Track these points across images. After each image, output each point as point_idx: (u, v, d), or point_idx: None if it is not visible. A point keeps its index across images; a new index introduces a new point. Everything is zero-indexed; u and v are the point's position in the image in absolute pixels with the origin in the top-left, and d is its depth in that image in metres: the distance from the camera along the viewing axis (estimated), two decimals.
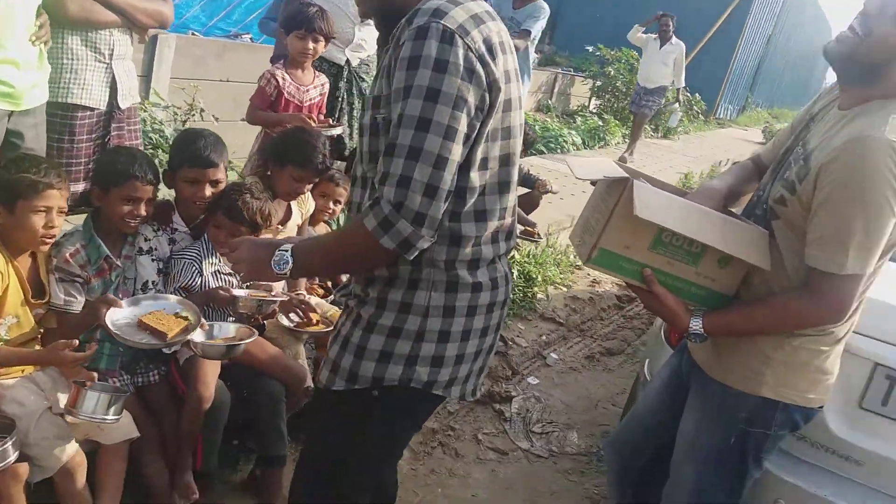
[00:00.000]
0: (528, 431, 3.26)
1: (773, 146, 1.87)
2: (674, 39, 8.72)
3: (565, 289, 5.02)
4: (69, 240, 2.08)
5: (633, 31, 8.92)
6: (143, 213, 2.13)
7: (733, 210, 1.81)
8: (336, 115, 3.61)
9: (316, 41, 3.13)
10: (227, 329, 2.14)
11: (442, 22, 1.26)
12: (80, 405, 1.80)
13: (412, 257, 1.33)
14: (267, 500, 2.39)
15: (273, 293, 2.37)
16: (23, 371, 1.96)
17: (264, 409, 2.36)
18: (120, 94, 2.54)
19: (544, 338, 4.23)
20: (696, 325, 1.60)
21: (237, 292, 2.29)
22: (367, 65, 3.77)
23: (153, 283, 2.25)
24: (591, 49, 12.09)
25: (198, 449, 2.25)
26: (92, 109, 2.46)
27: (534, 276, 4.68)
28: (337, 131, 3.28)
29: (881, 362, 1.90)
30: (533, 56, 6.10)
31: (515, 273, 4.59)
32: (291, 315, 2.44)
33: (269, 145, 2.76)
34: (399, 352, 1.43)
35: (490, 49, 1.30)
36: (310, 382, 2.49)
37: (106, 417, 1.83)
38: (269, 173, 2.64)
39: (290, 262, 1.40)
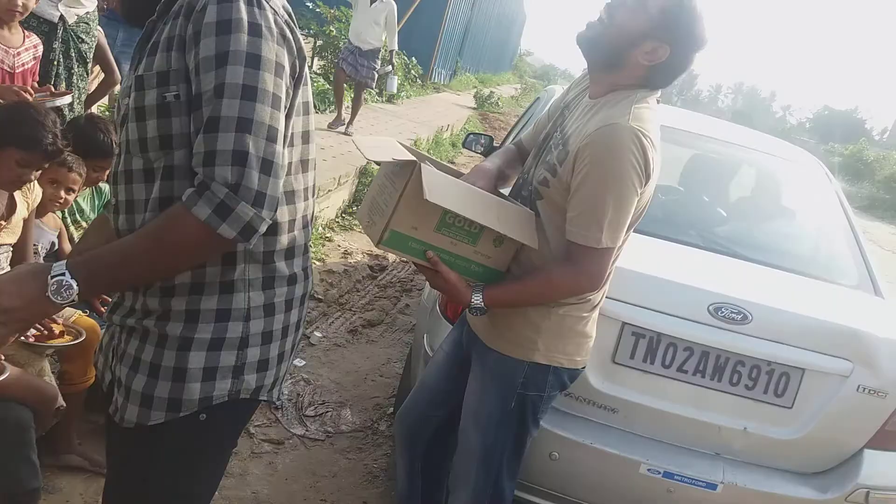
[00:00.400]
0: (302, 416, 3.21)
1: (534, 132, 2.05)
2: None
3: (319, 262, 4.97)
4: None
5: None
6: None
7: (502, 192, 1.95)
8: (53, 82, 3.10)
9: None
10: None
11: None
12: None
13: (252, 244, 1.20)
14: None
15: None
16: None
17: (9, 440, 2.02)
18: None
19: (306, 317, 4.16)
20: (476, 299, 1.73)
21: None
22: (87, 23, 3.30)
23: None
24: (310, 6, 11.86)
25: None
26: None
27: None
28: (65, 101, 2.82)
29: (627, 321, 2.19)
30: None
31: None
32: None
33: None
34: (225, 364, 1.28)
35: (289, 15, 1.24)
36: (61, 402, 2.18)
37: None
38: None
39: (74, 284, 1.14)
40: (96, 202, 2.97)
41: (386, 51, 8.81)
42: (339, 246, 5.53)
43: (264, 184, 1.14)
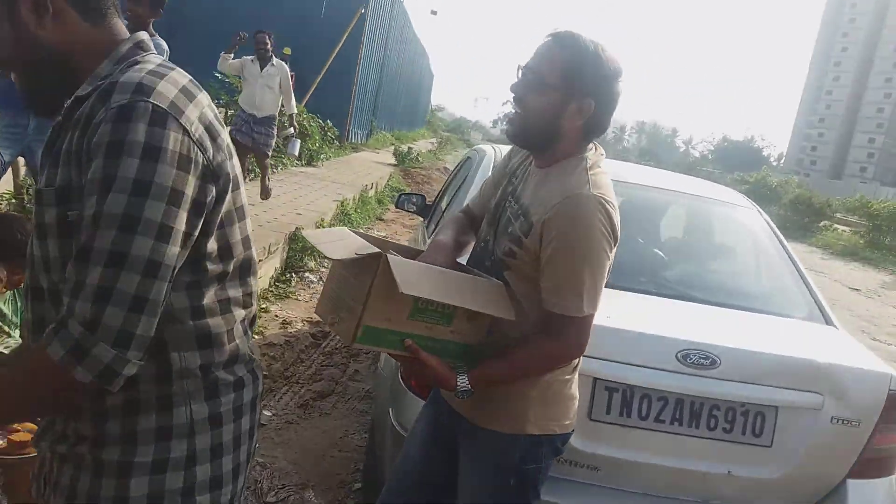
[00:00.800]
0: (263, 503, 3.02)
1: (481, 198, 2.04)
2: (275, 60, 7.69)
3: (258, 336, 4.78)
4: None
5: (220, 61, 7.60)
6: None
7: (459, 261, 1.92)
8: None
9: None
10: None
11: (151, 100, 1.06)
12: None
13: (116, 389, 1.08)
14: None
15: None
16: None
17: None
18: None
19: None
20: (463, 382, 1.67)
21: None
22: None
23: None
24: (218, 76, 11.75)
25: None
26: None
27: None
28: None
29: (599, 377, 2.17)
30: None
31: None
32: None
33: None
34: (171, 487, 1.18)
35: (208, 128, 1.15)
36: None
37: None
38: None
39: None
40: (18, 305, 2.76)
41: (285, 115, 8.33)
42: (276, 316, 5.35)
43: (132, 323, 1.04)
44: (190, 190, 1.08)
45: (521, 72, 1.74)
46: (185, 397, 1.18)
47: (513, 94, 1.76)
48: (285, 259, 6.42)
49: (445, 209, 3.63)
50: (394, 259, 1.54)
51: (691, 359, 2.17)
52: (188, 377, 1.18)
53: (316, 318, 5.59)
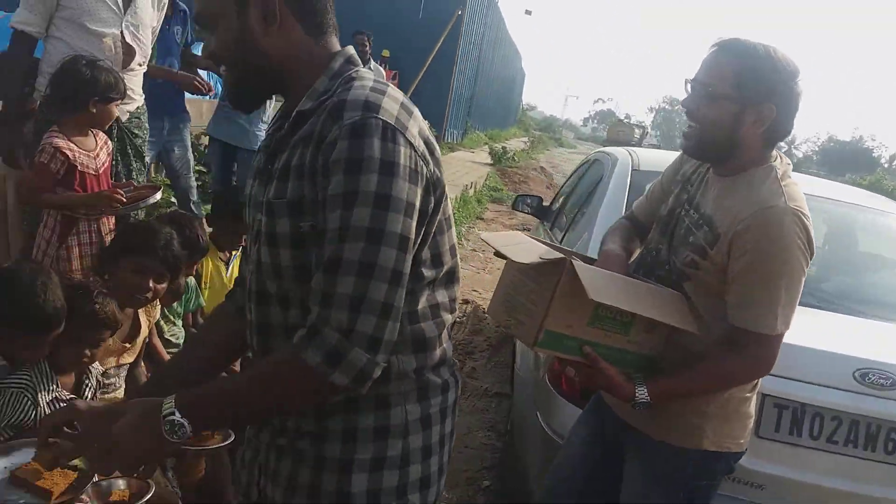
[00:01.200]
0: None
1: (649, 204, 2.00)
2: (372, 63, 7.42)
3: None
4: None
5: None
6: None
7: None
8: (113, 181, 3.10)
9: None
10: (116, 484, 1.69)
11: (380, 117, 1.10)
12: None
13: (365, 391, 1.13)
14: None
15: None
16: None
17: None
18: None
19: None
20: (641, 394, 1.64)
21: None
22: (138, 118, 3.32)
23: None
24: None
25: None
26: None
27: None
28: (156, 198, 2.79)
29: (769, 393, 2.09)
30: None
31: None
32: None
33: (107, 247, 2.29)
34: (388, 485, 1.22)
35: (427, 142, 1.18)
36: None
37: None
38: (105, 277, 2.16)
39: (186, 423, 1.10)
40: (183, 296, 2.92)
41: None
42: None
43: (381, 328, 1.09)
44: (418, 200, 1.12)
45: (689, 85, 1.71)
46: (401, 398, 1.22)
47: (685, 110, 1.73)
48: None
49: (577, 214, 3.59)
50: (580, 265, 1.54)
51: (870, 378, 2.06)
52: (404, 379, 1.22)
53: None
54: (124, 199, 2.55)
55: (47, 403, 1.83)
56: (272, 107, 4.58)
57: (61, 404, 1.87)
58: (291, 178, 1.15)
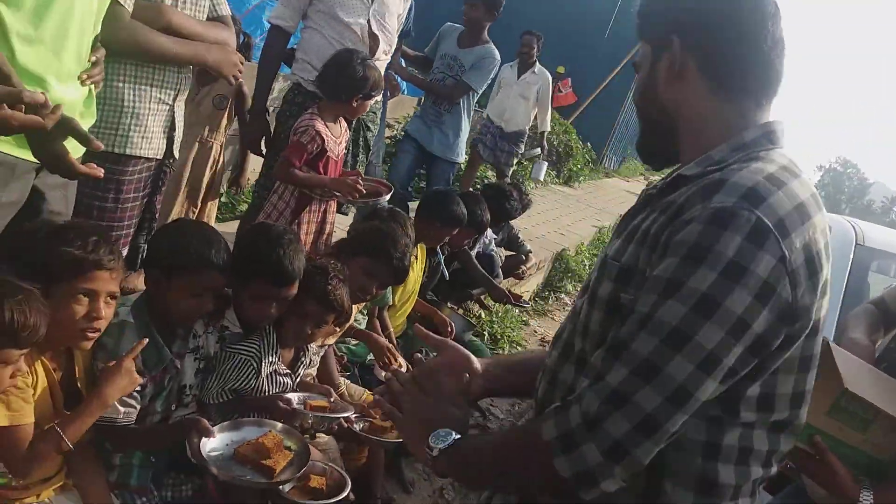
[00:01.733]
0: None
1: None
2: (537, 67, 6.53)
3: (520, 348, 4.95)
4: (122, 336, 1.68)
5: None
6: (210, 308, 1.80)
7: None
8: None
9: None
10: (317, 469, 1.93)
11: (757, 212, 0.93)
12: None
13: (589, 497, 0.99)
14: None
15: (332, 400, 2.10)
16: (37, 496, 1.54)
17: None
18: (176, 140, 2.12)
19: (516, 407, 4.13)
20: (867, 499, 1.52)
21: (296, 403, 1.99)
22: (374, 112, 3.51)
23: (189, 387, 1.90)
24: None
25: None
26: (149, 160, 2.02)
27: (498, 336, 4.59)
28: (385, 199, 3.00)
29: None
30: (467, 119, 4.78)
31: (486, 335, 4.48)
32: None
33: (355, 231, 2.47)
34: None
35: (809, 261, 0.96)
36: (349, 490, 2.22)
37: None
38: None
39: (448, 444, 1.10)
40: None
41: (537, 133, 7.11)
42: (535, 332, 5.50)
43: (631, 441, 0.94)
44: (758, 325, 0.93)
45: None
46: None
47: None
48: (547, 277, 6.57)
49: None
50: (837, 348, 1.49)
51: None
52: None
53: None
54: (364, 191, 2.75)
55: (266, 376, 2.02)
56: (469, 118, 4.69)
57: (279, 378, 2.06)
58: (634, 242, 1.05)
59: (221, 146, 3.26)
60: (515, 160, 6.92)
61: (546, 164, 8.55)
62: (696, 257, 0.93)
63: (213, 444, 1.66)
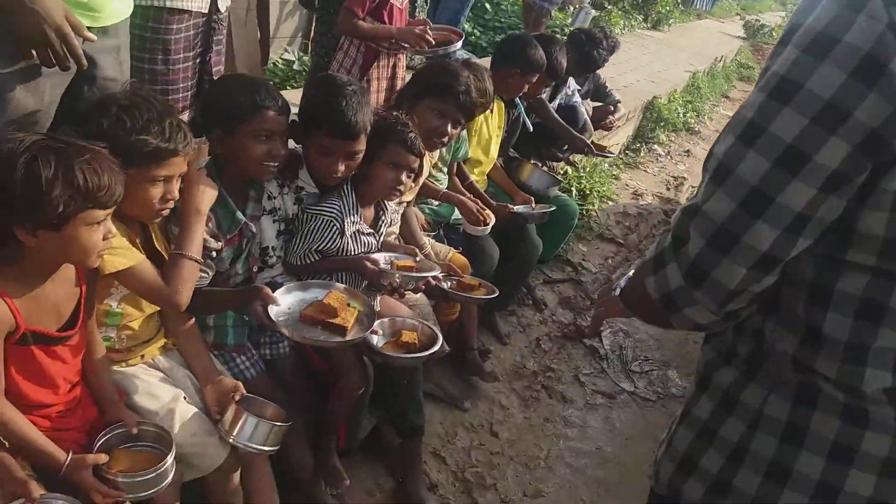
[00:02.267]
0: (628, 371, 3.07)
1: None
2: None
3: (611, 203, 4.74)
4: None
5: None
6: (283, 152, 1.72)
7: None
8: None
9: None
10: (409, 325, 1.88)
11: None
12: (240, 432, 1.55)
13: (678, 326, 0.90)
14: (407, 469, 2.19)
15: (418, 259, 2.04)
16: (142, 356, 1.60)
17: (403, 381, 2.10)
18: None
19: (609, 261, 3.99)
20: None
21: (383, 263, 1.93)
22: None
23: (273, 248, 1.87)
24: None
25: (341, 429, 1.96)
26: (194, 15, 1.85)
27: (587, 191, 4.38)
28: (458, 45, 2.78)
29: None
30: None
31: (574, 191, 4.28)
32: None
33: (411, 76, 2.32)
34: None
35: None
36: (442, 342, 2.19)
37: (263, 448, 1.57)
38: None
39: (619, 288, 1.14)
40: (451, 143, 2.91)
41: None
42: (626, 185, 5.25)
43: (708, 260, 0.81)
44: (863, 114, 0.73)
45: None
46: (767, 378, 0.94)
47: None
48: (637, 127, 6.19)
49: None
50: None
51: None
52: (774, 357, 0.95)
53: (666, 193, 5.38)
54: (433, 41, 2.55)
55: (351, 235, 1.94)
56: None
57: (363, 237, 1.99)
58: None
59: None
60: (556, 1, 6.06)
61: (593, 13, 7.52)
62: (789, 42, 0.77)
63: (281, 307, 1.62)
